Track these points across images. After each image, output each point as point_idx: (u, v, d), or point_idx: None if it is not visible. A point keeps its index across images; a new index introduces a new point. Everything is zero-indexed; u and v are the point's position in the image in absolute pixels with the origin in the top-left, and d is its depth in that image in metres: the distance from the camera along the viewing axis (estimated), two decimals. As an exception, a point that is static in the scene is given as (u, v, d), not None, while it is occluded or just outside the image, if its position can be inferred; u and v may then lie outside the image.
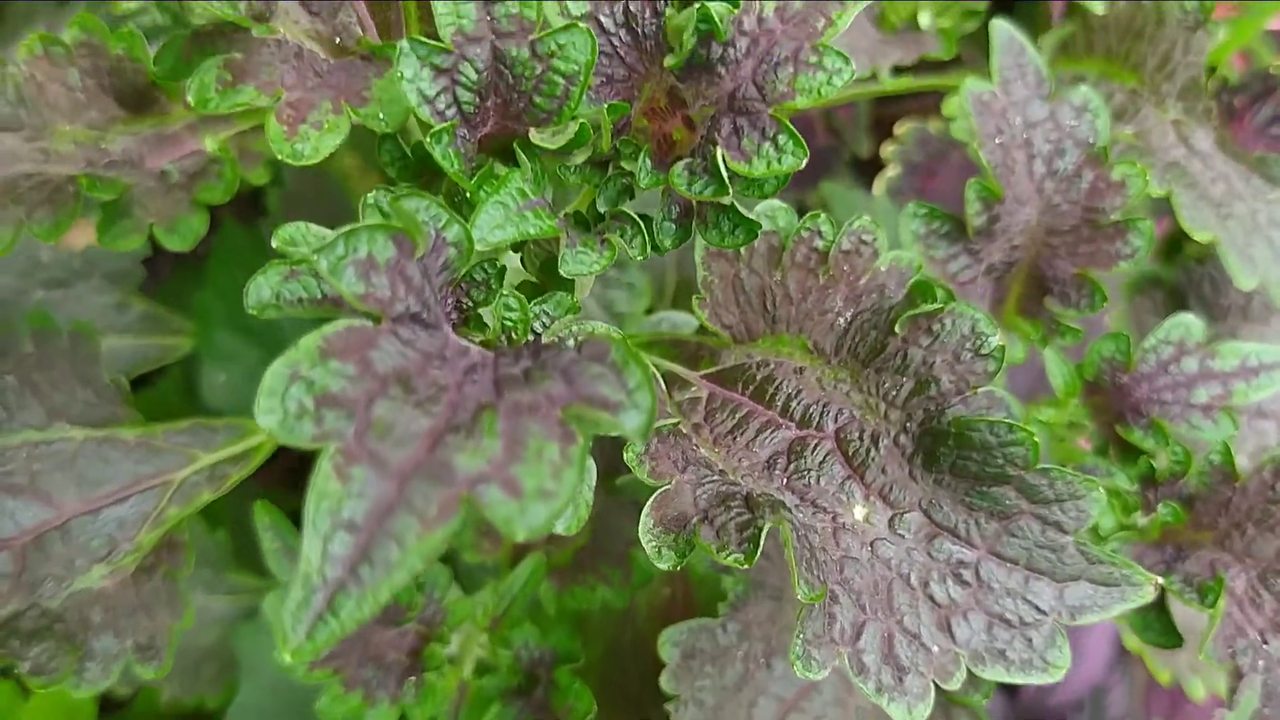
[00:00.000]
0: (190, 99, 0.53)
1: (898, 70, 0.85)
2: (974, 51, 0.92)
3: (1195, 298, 0.99)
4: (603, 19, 0.58)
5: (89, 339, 0.74)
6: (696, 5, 0.53)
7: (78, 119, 0.75)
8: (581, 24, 0.53)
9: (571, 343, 0.43)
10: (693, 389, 0.63)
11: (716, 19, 0.53)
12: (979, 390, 0.57)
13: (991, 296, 0.78)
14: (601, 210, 0.59)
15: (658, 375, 0.63)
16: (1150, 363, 0.75)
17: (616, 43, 0.58)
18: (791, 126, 0.54)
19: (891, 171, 1.02)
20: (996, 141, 0.75)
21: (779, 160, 0.54)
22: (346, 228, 0.40)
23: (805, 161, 0.54)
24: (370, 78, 0.56)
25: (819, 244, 0.63)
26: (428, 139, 0.51)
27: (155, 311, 0.95)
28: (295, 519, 0.47)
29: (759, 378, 0.62)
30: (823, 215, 0.63)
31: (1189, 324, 0.75)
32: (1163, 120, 0.86)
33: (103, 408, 0.73)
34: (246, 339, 1.01)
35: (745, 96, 0.55)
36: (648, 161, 0.58)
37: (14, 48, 0.75)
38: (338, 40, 0.58)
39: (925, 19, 0.86)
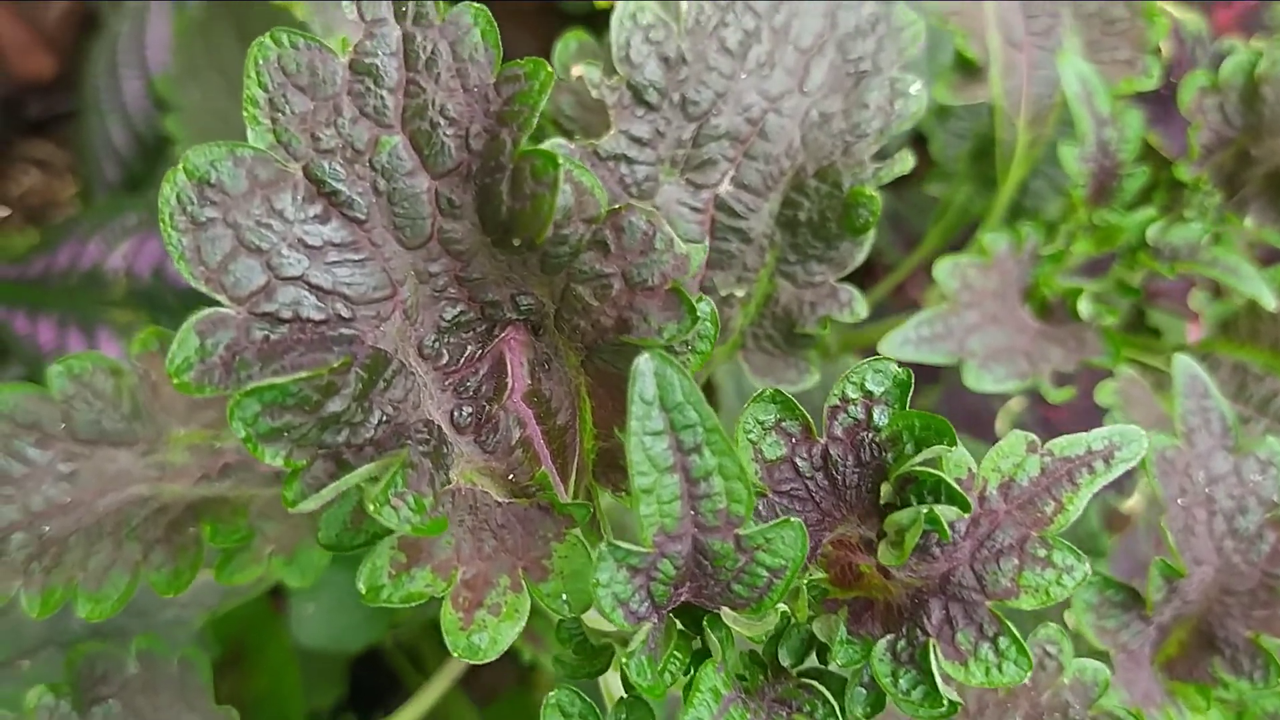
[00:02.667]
0: (361, 586, 0.48)
1: (1061, 378, 0.79)
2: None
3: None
4: (799, 462, 0.53)
5: (198, 667, 0.70)
6: (923, 509, 0.48)
7: (193, 419, 0.71)
8: (794, 520, 0.47)
9: None
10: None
11: (945, 525, 0.48)
12: None
13: (1152, 646, 0.73)
14: (784, 663, 0.54)
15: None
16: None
17: (812, 487, 0.53)
18: (1014, 630, 0.49)
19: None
20: (1179, 503, 0.69)
21: (999, 668, 0.49)
22: None
23: (1028, 675, 0.49)
24: (550, 541, 0.51)
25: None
26: (622, 659, 0.46)
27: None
28: None
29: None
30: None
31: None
32: (1335, 433, 0.80)
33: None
34: (335, 566, 0.96)
35: (961, 583, 0.50)
36: (843, 629, 0.53)
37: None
38: (511, 477, 0.53)
39: (1085, 307, 0.81)
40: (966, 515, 0.48)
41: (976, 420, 1.10)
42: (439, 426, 0.49)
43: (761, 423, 0.52)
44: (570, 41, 0.78)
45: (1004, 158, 0.95)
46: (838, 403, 0.53)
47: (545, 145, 0.67)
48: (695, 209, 0.71)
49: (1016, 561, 0.50)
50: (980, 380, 0.75)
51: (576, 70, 0.68)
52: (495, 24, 0.47)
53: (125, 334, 1.04)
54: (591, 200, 0.47)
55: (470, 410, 0.52)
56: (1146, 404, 0.85)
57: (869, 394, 0.52)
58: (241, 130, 0.89)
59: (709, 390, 0.99)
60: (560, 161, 0.44)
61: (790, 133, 0.71)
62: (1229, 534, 0.70)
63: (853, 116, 0.70)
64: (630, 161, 0.69)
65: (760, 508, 0.52)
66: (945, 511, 0.47)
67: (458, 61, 0.47)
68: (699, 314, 0.47)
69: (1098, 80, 0.83)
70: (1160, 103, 0.99)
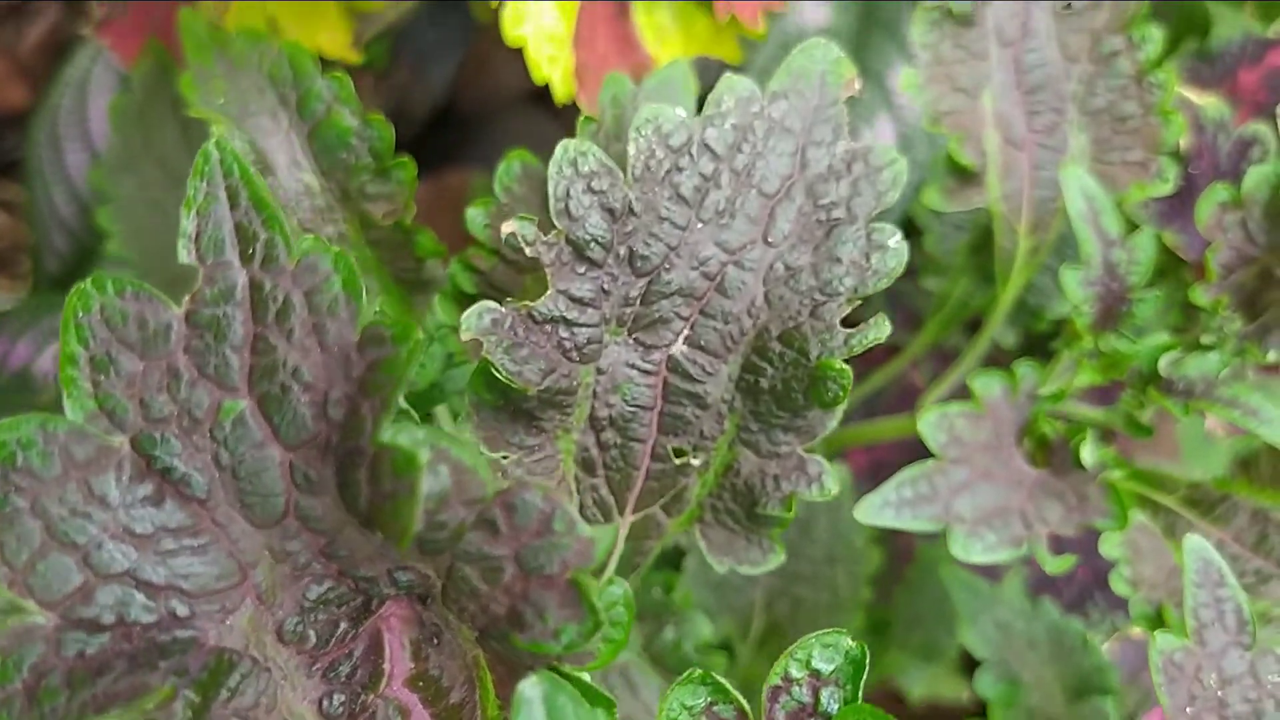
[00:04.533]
0: None
1: (1056, 544, 0.71)
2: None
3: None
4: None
5: None
6: None
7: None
8: None
9: None
10: None
11: None
12: None
13: None
14: None
15: None
16: None
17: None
18: None
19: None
20: (1187, 711, 0.61)
21: None
22: None
23: None
24: None
25: None
26: None
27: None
28: None
29: None
30: None
31: None
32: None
33: None
34: None
35: None
36: None
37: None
38: (396, 767, 0.45)
39: (1089, 455, 0.72)
40: None
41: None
42: (302, 728, 0.42)
43: (689, 709, 0.45)
44: (513, 163, 0.70)
45: (1004, 264, 0.86)
46: (779, 683, 0.45)
47: (474, 310, 0.59)
48: (645, 371, 0.63)
49: None
50: (968, 550, 0.67)
51: (507, 227, 0.60)
52: (357, 271, 0.39)
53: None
54: (475, 480, 0.39)
55: (343, 699, 0.44)
56: (1157, 554, 0.76)
57: (816, 673, 0.45)
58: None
59: (678, 555, 0.91)
60: (423, 458, 0.36)
61: (752, 289, 0.63)
62: (1245, 742, 0.62)
63: (823, 272, 0.62)
64: (570, 324, 0.61)
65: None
66: None
67: (314, 315, 0.39)
68: (601, 618, 0.39)
69: (1105, 197, 0.75)
70: (1177, 198, 0.90)
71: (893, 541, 1.09)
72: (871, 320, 0.61)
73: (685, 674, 0.44)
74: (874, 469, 1.10)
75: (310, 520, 0.41)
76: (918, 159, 1.09)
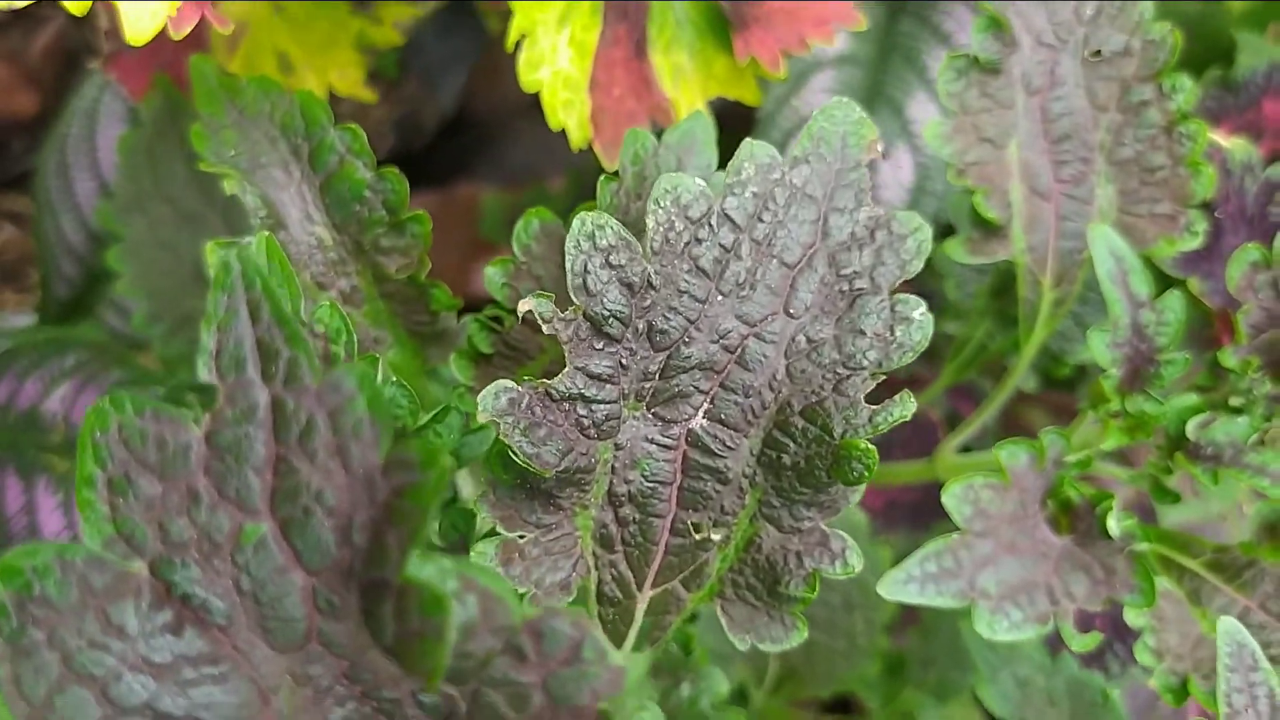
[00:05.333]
0: None
1: (1084, 623, 0.69)
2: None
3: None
4: None
5: None
6: None
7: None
8: None
9: None
10: None
11: None
12: None
13: None
14: None
15: None
16: None
17: None
18: None
19: None
20: (1218, 800, 0.60)
21: None
22: None
23: None
24: None
25: None
26: None
27: None
28: None
29: None
30: None
31: None
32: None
33: None
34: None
35: None
36: None
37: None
38: None
39: (1115, 525, 0.71)
40: None
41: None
42: None
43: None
44: (531, 221, 0.69)
45: (1028, 315, 0.85)
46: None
47: (490, 390, 0.58)
48: (665, 446, 0.62)
49: None
50: (994, 628, 0.66)
51: (524, 305, 0.59)
52: (381, 391, 0.38)
53: (64, 484, 0.96)
54: (503, 609, 0.38)
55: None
56: (1181, 622, 0.75)
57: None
58: (190, 266, 0.79)
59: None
60: (451, 595, 0.35)
61: (774, 362, 0.61)
62: (1277, 830, 0.61)
63: (845, 345, 0.61)
64: (589, 401, 0.60)
65: None
66: None
67: (338, 436, 0.38)
68: (632, 755, 0.38)
69: (1133, 257, 0.73)
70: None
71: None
72: (897, 397, 0.60)
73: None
74: (888, 510, 1.08)
75: (333, 645, 0.40)
76: (935, 190, 1.08)
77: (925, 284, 1.09)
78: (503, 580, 0.38)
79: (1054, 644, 0.92)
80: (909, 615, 1.07)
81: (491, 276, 0.68)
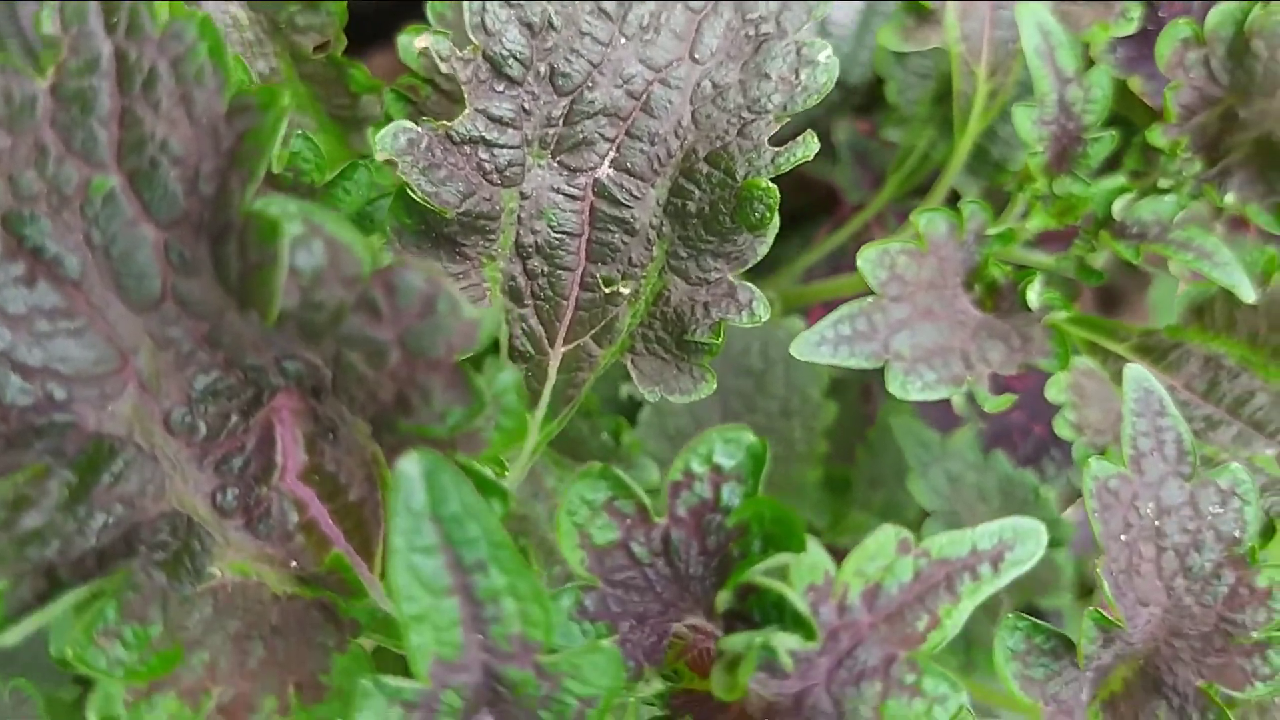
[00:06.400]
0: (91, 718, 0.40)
1: (998, 384, 0.70)
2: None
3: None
4: (635, 548, 0.44)
5: None
6: (757, 638, 0.39)
7: None
8: (606, 644, 0.39)
9: None
10: None
11: (785, 656, 0.39)
12: None
13: (1089, 689, 0.65)
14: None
15: None
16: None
17: (652, 575, 0.45)
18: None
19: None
20: (1123, 539, 0.61)
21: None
22: None
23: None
24: (331, 651, 0.43)
25: None
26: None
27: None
28: None
29: None
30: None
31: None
32: (1316, 440, 0.71)
33: None
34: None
35: (816, 708, 0.42)
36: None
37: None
38: (295, 564, 0.44)
39: (1034, 297, 0.71)
40: (814, 644, 0.39)
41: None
42: (188, 520, 0.41)
43: (589, 502, 0.44)
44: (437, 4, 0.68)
45: (961, 110, 0.84)
46: (680, 478, 0.44)
47: (389, 129, 0.58)
48: (571, 196, 0.62)
49: (880, 687, 0.41)
50: (906, 388, 0.66)
51: (420, 42, 0.58)
52: (223, 40, 0.37)
53: None
54: (351, 257, 0.38)
55: (236, 492, 0.43)
56: (1104, 399, 0.75)
57: (718, 469, 0.44)
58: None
59: (633, 406, 0.91)
60: (286, 228, 0.35)
61: (679, 108, 0.61)
62: (1181, 572, 0.62)
63: (751, 90, 0.60)
64: (490, 145, 0.59)
65: (588, 603, 0.44)
66: (785, 640, 0.39)
67: (181, 85, 0.38)
68: (485, 398, 0.38)
69: (1061, 32, 0.72)
70: (1145, 40, 0.87)
71: (855, 403, 1.08)
72: (800, 138, 0.59)
73: (585, 468, 0.43)
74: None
75: (189, 304, 0.40)
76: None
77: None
78: (352, 230, 0.37)
79: (990, 444, 0.93)
80: (857, 433, 1.07)
81: (405, 45, 0.67)
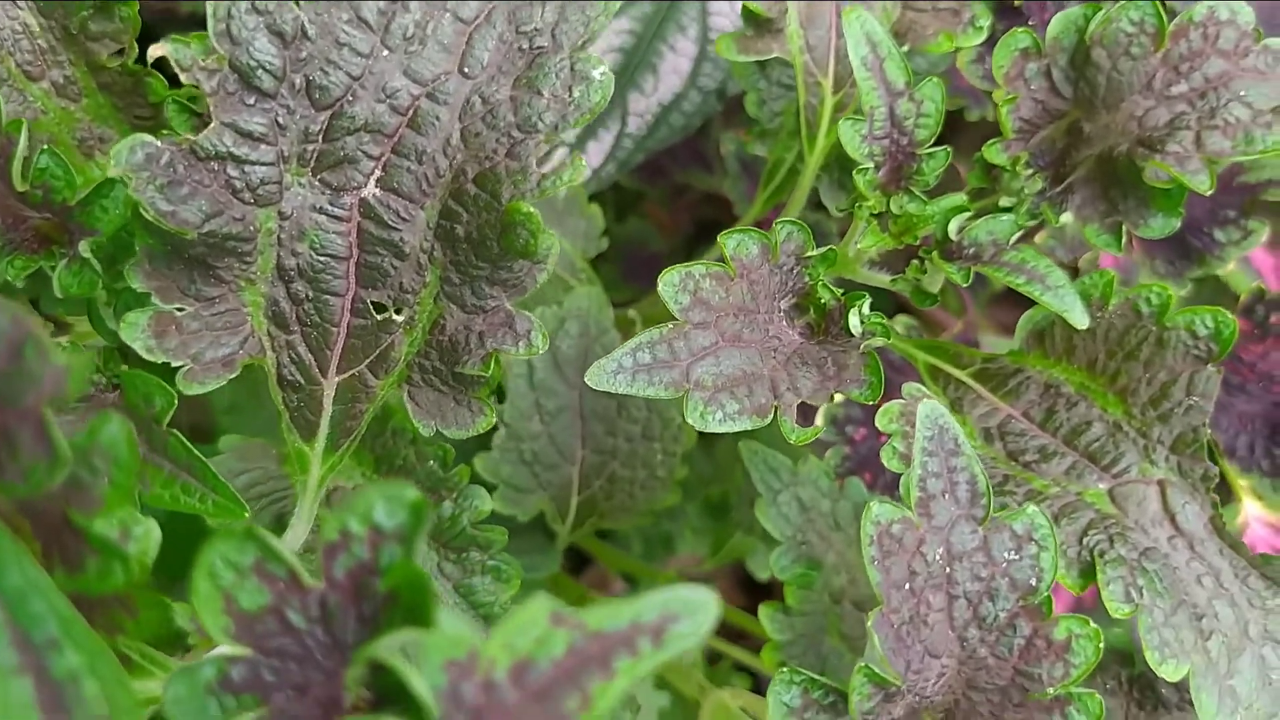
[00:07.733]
0: None
1: (808, 415, 0.66)
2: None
3: None
4: (290, 615, 0.41)
5: None
6: (376, 720, 0.36)
7: None
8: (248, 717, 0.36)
9: None
10: None
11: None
12: None
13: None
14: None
15: None
16: None
17: (312, 643, 0.42)
18: None
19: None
20: (907, 588, 0.57)
21: None
22: None
23: None
24: None
25: None
26: None
27: None
28: None
29: None
30: None
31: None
32: (1148, 477, 0.67)
33: None
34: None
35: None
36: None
37: None
38: None
39: (855, 320, 0.67)
40: (438, 727, 0.36)
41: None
42: None
43: (235, 565, 0.40)
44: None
45: (809, 123, 0.80)
46: (337, 538, 0.41)
47: (125, 142, 0.54)
48: (336, 217, 0.58)
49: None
50: (705, 419, 0.63)
51: (156, 50, 0.54)
52: None
53: None
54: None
55: None
56: (939, 430, 0.72)
57: (378, 529, 0.40)
58: None
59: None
60: None
61: (448, 125, 0.57)
62: (974, 622, 0.59)
63: (523, 108, 0.56)
64: (240, 161, 0.56)
65: (234, 674, 0.41)
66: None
67: None
68: (66, 453, 0.35)
69: (890, 42, 0.68)
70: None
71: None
72: (568, 161, 0.56)
73: (226, 528, 0.40)
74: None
75: None
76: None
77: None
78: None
79: (851, 471, 0.89)
80: (735, 453, 1.04)
81: (177, 53, 0.63)
